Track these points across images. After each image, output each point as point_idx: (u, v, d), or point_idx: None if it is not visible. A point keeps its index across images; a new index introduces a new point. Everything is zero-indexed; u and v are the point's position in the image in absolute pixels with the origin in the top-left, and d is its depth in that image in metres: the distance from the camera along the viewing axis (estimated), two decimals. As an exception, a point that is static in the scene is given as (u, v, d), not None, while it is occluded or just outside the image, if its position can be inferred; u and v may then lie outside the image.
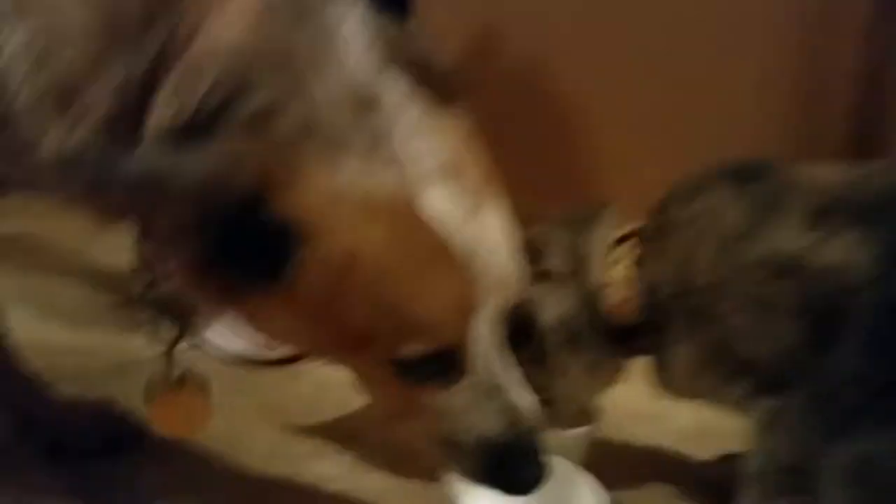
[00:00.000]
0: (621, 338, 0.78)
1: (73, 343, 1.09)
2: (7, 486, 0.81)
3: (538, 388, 0.73)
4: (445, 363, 0.62)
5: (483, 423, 0.64)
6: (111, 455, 0.87)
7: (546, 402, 0.73)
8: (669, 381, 0.79)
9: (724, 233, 0.71)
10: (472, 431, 0.64)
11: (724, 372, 0.74)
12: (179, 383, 0.75)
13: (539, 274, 0.79)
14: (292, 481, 0.85)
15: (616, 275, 0.76)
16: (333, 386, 1.04)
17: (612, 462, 0.90)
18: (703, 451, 0.94)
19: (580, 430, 0.86)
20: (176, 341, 0.72)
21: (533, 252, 0.78)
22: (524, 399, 0.66)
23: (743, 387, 0.74)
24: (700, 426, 0.98)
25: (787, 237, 0.68)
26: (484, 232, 0.59)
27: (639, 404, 1.08)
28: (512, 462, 0.65)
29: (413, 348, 0.60)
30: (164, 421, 0.77)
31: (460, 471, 0.68)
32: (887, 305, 0.65)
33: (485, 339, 0.62)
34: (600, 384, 0.83)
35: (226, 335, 1.11)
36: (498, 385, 0.65)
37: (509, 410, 0.65)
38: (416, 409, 0.64)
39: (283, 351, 1.08)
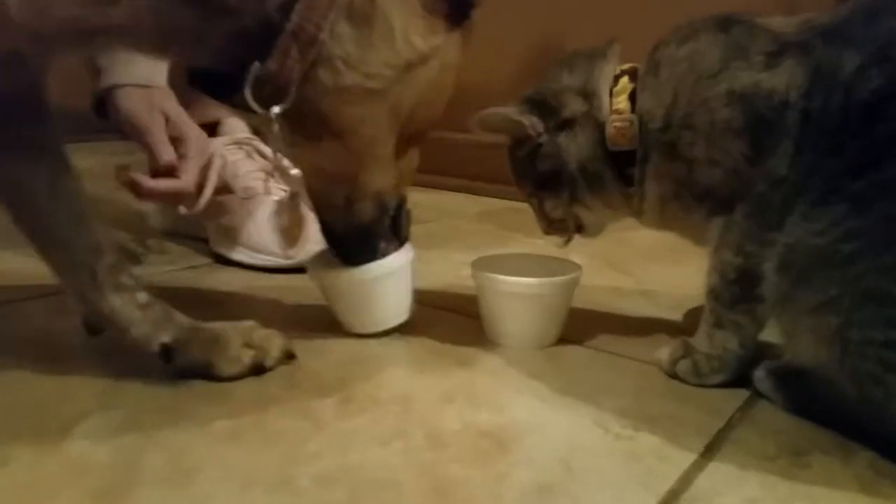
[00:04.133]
0: (620, 166, 0.88)
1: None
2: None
3: (575, 218, 0.96)
4: None
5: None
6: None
7: (579, 228, 0.97)
8: (644, 212, 0.90)
9: (700, 73, 0.82)
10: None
11: (686, 201, 0.84)
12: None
13: (561, 123, 0.89)
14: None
15: (617, 105, 0.86)
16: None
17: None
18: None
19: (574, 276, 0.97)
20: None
21: (550, 107, 0.89)
22: None
23: (702, 212, 0.84)
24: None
25: (747, 74, 0.79)
26: None
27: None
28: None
29: None
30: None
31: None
32: (807, 114, 0.75)
33: None
34: (618, 213, 0.95)
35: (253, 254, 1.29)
36: None
37: None
38: None
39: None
